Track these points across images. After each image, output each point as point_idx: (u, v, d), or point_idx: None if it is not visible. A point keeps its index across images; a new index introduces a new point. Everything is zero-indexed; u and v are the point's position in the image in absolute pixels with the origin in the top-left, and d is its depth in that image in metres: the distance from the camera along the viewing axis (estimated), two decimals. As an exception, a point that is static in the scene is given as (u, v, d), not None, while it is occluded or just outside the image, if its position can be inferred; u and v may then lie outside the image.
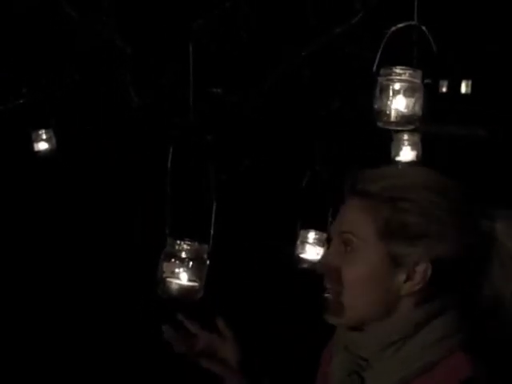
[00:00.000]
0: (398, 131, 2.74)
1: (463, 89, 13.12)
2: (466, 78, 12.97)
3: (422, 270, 1.13)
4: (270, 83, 3.13)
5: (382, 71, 1.93)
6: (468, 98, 12.36)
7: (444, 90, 12.97)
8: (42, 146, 4.04)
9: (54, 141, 4.02)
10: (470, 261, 1.17)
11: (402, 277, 1.15)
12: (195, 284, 1.97)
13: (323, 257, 1.29)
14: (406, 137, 2.89)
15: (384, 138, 2.83)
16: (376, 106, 1.93)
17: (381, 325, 1.16)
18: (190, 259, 1.95)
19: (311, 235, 2.95)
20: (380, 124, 1.94)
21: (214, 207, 2.02)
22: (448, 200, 1.15)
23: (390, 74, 1.91)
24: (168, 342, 1.36)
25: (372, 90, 1.97)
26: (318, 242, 2.93)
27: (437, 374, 1.11)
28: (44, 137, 4.03)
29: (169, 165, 2.00)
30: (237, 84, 3.26)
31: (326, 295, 1.20)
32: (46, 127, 4.01)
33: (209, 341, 1.39)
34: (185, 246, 1.95)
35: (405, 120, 1.91)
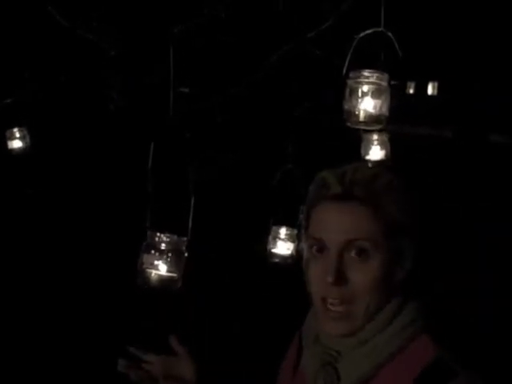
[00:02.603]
0: (367, 131, 2.85)
1: (430, 90, 13.35)
2: (433, 79, 13.19)
3: (411, 263, 1.19)
4: (246, 84, 3.21)
5: (351, 74, 2.04)
6: (434, 99, 12.58)
7: (411, 91, 13.20)
8: (16, 144, 4.03)
9: (28, 139, 4.01)
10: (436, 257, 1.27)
11: (398, 269, 1.19)
12: (174, 275, 2.06)
13: (333, 269, 1.16)
14: (375, 137, 2.99)
15: (354, 138, 2.93)
16: (346, 107, 2.03)
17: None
18: (169, 251, 2.04)
19: (283, 231, 3.06)
20: (349, 124, 2.04)
21: (192, 202, 2.11)
22: (426, 201, 1.25)
23: (359, 77, 2.01)
24: (123, 372, 1.36)
25: (342, 92, 2.08)
26: (289, 238, 3.05)
27: (406, 356, 1.16)
28: (18, 135, 4.01)
29: (149, 161, 2.07)
30: (213, 85, 3.34)
31: (334, 308, 1.17)
32: (19, 125, 4.00)
33: (165, 363, 1.38)
34: (164, 239, 2.03)
35: (373, 120, 2.01)
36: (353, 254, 1.15)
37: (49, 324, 3.90)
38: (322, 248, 1.18)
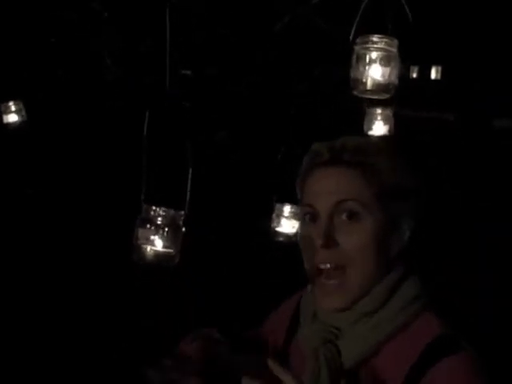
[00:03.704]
0: (370, 106, 2.77)
1: (433, 74, 13.24)
2: (436, 63, 13.08)
3: (410, 229, 1.17)
4: (247, 76, 3.13)
5: (358, 40, 1.94)
6: (437, 83, 12.48)
7: (414, 75, 13.09)
8: (12, 118, 3.94)
9: (23, 112, 3.93)
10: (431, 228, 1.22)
11: (395, 237, 1.17)
12: (170, 250, 1.97)
13: (322, 232, 1.15)
14: (378, 111, 2.91)
15: (357, 113, 2.86)
16: (352, 75, 1.93)
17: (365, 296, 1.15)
18: (166, 226, 1.95)
19: (286, 209, 2.97)
20: (356, 92, 1.94)
21: (190, 174, 2.02)
22: (421, 168, 1.22)
23: (367, 43, 1.92)
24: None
25: (347, 63, 1.98)
26: (294, 216, 2.96)
27: (410, 333, 1.14)
28: (13, 109, 3.93)
29: (144, 131, 1.98)
30: (215, 60, 3.25)
31: (329, 282, 1.15)
32: (15, 99, 3.91)
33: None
34: (160, 213, 1.95)
35: (381, 88, 1.91)
36: (343, 216, 1.15)
37: (48, 322, 3.84)
38: (314, 216, 1.18)
